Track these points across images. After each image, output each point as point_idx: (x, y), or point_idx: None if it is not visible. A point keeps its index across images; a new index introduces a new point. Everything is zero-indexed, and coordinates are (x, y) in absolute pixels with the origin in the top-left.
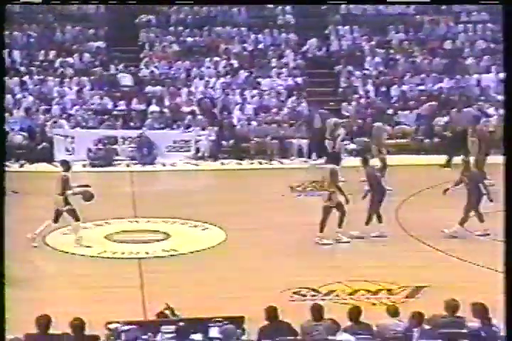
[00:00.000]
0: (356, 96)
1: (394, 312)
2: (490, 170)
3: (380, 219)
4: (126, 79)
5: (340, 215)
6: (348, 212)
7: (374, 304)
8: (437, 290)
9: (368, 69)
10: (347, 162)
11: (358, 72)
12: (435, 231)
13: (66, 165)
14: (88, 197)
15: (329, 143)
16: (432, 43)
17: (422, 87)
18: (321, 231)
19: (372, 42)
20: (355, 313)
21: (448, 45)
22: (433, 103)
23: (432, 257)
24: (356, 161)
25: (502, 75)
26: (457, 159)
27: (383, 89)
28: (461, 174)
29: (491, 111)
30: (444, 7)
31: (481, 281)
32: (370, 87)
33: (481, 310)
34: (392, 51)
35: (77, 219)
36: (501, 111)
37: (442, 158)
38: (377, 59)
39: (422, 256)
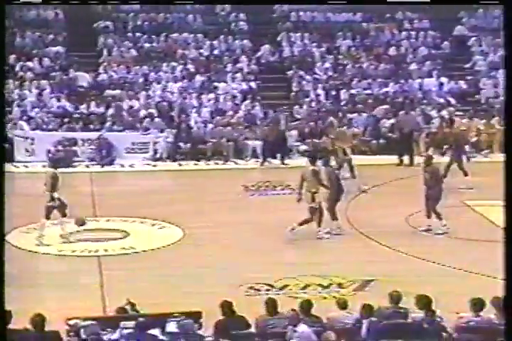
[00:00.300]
0: (307, 99)
1: (343, 305)
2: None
3: (334, 217)
4: (82, 79)
5: (319, 215)
6: (301, 210)
7: (325, 297)
8: (384, 283)
9: (318, 74)
10: (295, 162)
11: (308, 77)
12: (382, 227)
13: (55, 163)
14: (81, 222)
15: (326, 142)
16: (378, 49)
17: (368, 91)
18: (301, 225)
19: (322, 49)
20: (306, 306)
21: (392, 51)
22: (385, 106)
23: (378, 252)
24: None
25: (443, 79)
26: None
27: (333, 92)
28: (423, 171)
29: (432, 113)
30: (388, 15)
31: (425, 274)
32: (320, 91)
33: (424, 302)
34: (340, 57)
35: (49, 218)
36: (443, 113)
37: (388, 158)
38: (327, 64)
39: (370, 252)
